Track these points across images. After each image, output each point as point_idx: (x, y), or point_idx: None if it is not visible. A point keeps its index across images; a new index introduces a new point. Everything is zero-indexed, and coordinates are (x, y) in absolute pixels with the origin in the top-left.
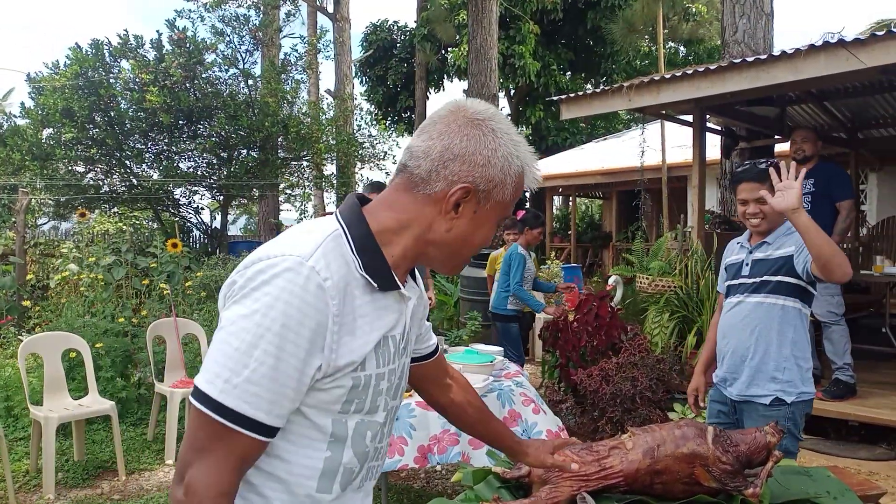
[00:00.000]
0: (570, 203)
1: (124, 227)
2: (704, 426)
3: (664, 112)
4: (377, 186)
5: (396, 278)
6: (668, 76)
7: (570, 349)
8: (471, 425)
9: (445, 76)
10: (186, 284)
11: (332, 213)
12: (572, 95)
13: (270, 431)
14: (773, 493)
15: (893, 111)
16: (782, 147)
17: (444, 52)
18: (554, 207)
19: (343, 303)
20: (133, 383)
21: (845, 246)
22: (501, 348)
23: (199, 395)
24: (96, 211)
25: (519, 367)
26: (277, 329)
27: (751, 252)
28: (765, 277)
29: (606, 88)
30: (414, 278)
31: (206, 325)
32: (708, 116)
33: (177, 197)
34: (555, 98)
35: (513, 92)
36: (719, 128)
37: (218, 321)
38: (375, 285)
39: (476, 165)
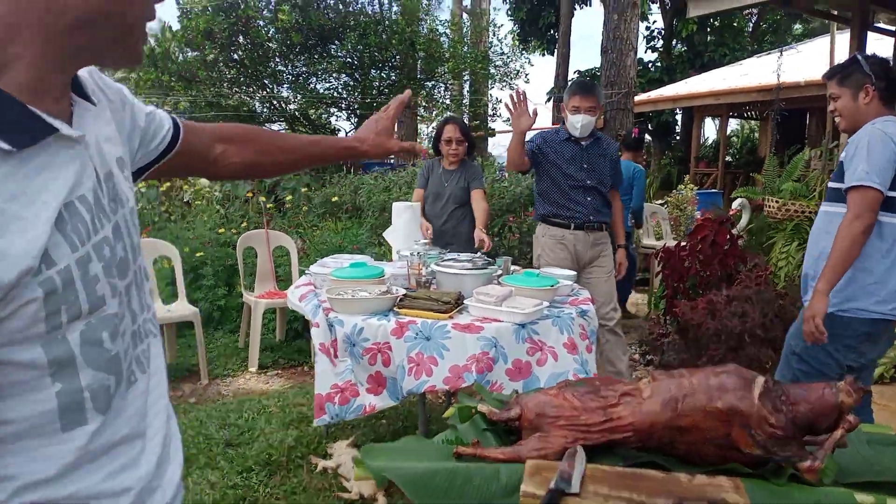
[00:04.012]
0: (720, 124)
1: None
2: (752, 375)
3: (818, 7)
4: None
5: (45, 116)
6: None
7: (677, 279)
8: (282, 166)
9: None
10: (313, 202)
11: None
12: None
13: None
14: (843, 468)
15: None
16: None
17: None
18: (707, 129)
19: None
20: (237, 292)
21: None
22: (574, 273)
23: None
24: None
25: (589, 297)
26: None
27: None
28: (829, 183)
29: None
30: (81, 87)
31: (304, 236)
32: (876, 15)
33: (313, 118)
34: None
35: (668, 5)
36: (893, 28)
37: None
38: (8, 146)
39: None
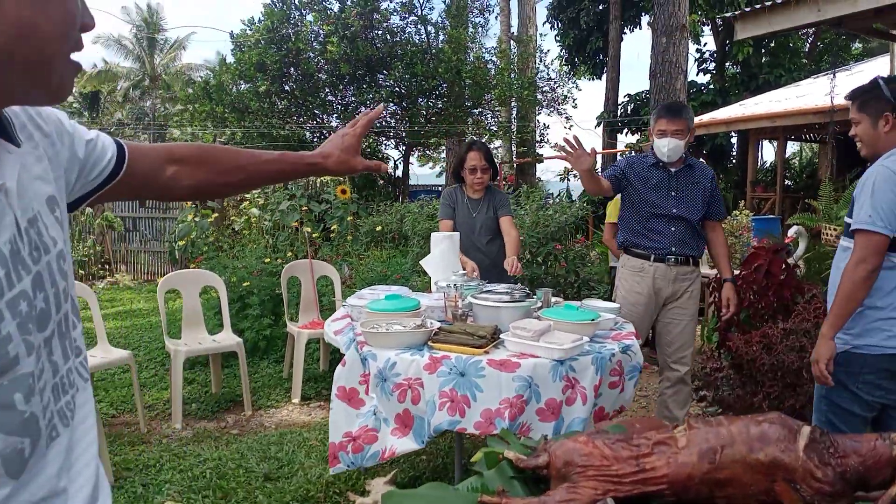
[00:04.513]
0: (778, 147)
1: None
2: (797, 425)
3: (875, 26)
4: None
5: None
6: None
7: None
8: (238, 185)
9: (643, 13)
10: (361, 230)
11: None
12: (748, 10)
13: None
14: None
15: None
16: None
17: None
18: (765, 152)
19: None
20: (283, 322)
21: None
22: (618, 305)
23: None
24: None
25: (633, 331)
26: None
27: None
28: (845, 218)
29: None
30: (4, 126)
31: (352, 265)
32: None
33: (362, 146)
34: (727, 15)
35: (721, 27)
36: None
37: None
38: None
39: None
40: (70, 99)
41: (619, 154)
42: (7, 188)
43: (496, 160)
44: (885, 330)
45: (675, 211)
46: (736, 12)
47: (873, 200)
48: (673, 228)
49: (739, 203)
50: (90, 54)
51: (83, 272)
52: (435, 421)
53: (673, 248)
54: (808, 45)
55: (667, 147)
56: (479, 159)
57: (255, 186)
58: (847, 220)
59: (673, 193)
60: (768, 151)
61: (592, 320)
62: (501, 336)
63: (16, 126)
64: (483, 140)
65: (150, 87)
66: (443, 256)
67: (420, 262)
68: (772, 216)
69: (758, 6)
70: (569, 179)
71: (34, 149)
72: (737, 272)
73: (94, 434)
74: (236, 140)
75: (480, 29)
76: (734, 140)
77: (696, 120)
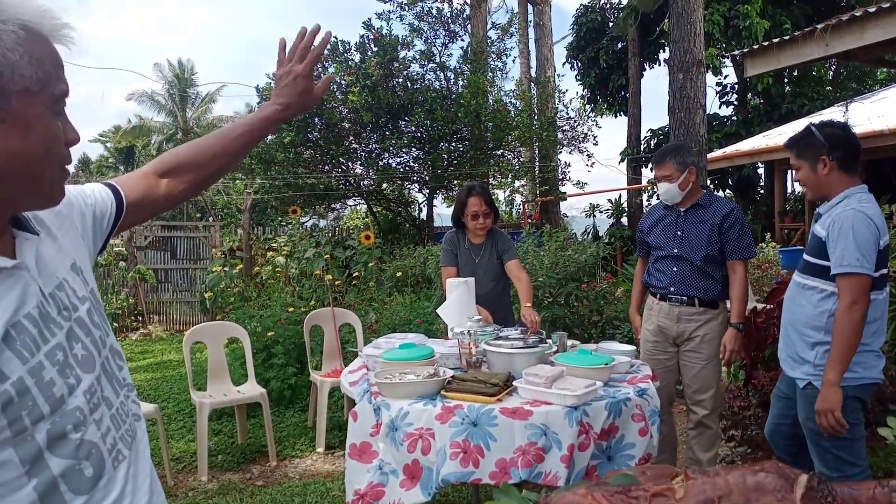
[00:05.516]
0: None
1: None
2: (794, 474)
3: (887, 57)
4: None
5: None
6: (872, 9)
7: (755, 347)
8: (226, 166)
9: (661, 49)
10: (383, 275)
11: None
12: (756, 47)
13: None
14: None
15: None
16: None
17: (652, 21)
18: (791, 183)
19: None
20: (307, 371)
21: None
22: (633, 347)
23: None
24: (346, 210)
25: (650, 374)
26: None
27: (815, 221)
28: (805, 256)
29: (796, 34)
30: (23, 220)
31: (377, 310)
32: None
33: (386, 192)
34: (735, 53)
35: (739, 58)
36: None
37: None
38: None
39: None
40: (106, 154)
41: (641, 189)
42: (27, 265)
43: (521, 199)
44: (860, 363)
45: (676, 251)
46: (745, 50)
47: (858, 244)
48: (675, 268)
49: (766, 235)
50: (125, 111)
51: (117, 325)
52: (444, 471)
53: (672, 288)
54: (831, 73)
55: (660, 191)
56: (479, 204)
57: (239, 159)
58: (810, 258)
59: (679, 233)
60: None
61: (606, 364)
62: (514, 383)
63: (31, 220)
64: (511, 177)
65: (182, 139)
66: (458, 302)
67: (437, 311)
68: (800, 247)
69: (766, 43)
70: (594, 215)
71: (49, 233)
72: (761, 307)
73: (150, 464)
74: (265, 188)
75: (499, 73)
76: (761, 171)
77: (720, 152)
